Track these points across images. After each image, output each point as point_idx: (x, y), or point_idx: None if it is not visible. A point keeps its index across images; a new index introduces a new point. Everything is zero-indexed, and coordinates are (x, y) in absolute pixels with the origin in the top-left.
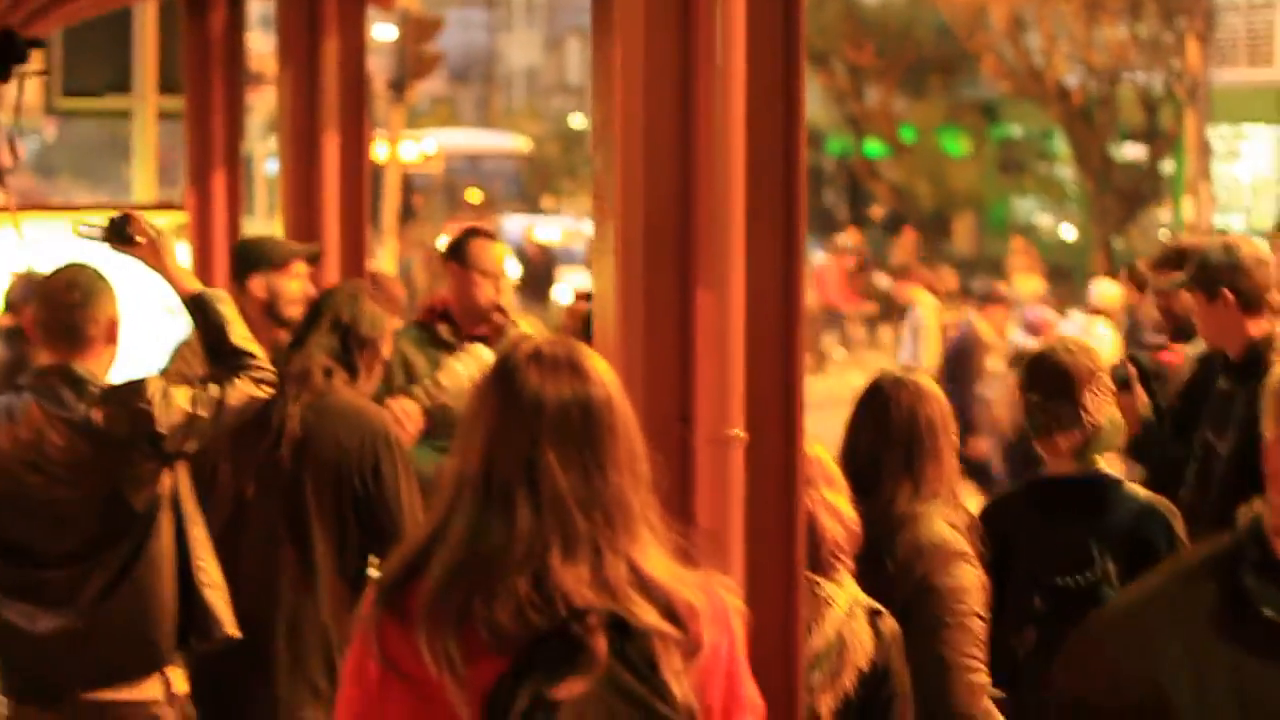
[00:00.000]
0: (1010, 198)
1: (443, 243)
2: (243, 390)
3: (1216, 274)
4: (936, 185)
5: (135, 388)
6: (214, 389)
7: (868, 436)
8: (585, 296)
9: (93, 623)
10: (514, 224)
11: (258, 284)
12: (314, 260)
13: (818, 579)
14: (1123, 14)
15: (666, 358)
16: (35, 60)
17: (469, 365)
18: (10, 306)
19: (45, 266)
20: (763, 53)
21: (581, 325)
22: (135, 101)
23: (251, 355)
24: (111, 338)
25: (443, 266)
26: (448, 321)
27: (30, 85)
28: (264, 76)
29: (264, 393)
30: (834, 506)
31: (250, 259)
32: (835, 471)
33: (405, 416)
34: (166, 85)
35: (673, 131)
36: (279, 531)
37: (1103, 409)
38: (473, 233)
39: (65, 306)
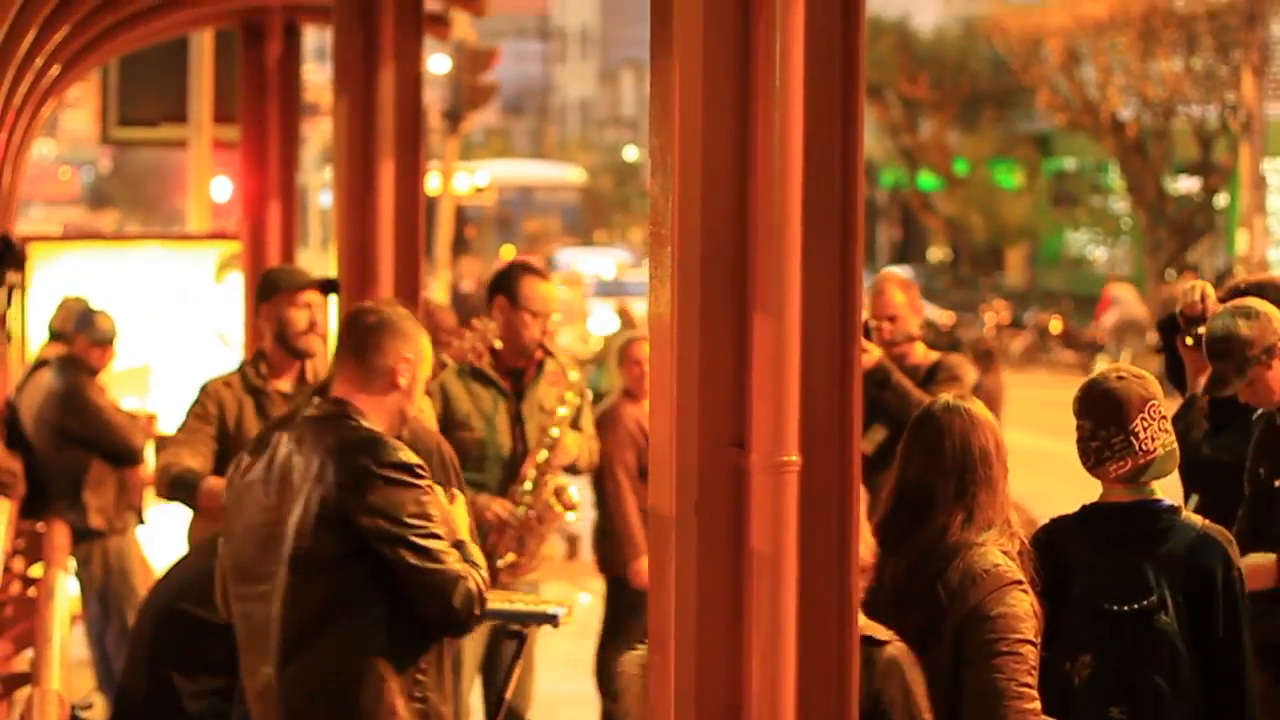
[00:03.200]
0: (1063, 230)
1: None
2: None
3: None
4: (989, 218)
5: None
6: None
7: (919, 465)
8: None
9: None
10: (566, 256)
11: (267, 312)
12: (327, 290)
13: None
14: (1178, 47)
15: (722, 382)
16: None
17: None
18: (59, 334)
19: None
20: (821, 75)
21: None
22: (191, 131)
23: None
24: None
25: (490, 300)
26: (491, 355)
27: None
28: (319, 107)
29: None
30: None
31: (263, 288)
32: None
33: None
34: (222, 115)
35: (730, 156)
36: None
37: (1156, 436)
38: (524, 268)
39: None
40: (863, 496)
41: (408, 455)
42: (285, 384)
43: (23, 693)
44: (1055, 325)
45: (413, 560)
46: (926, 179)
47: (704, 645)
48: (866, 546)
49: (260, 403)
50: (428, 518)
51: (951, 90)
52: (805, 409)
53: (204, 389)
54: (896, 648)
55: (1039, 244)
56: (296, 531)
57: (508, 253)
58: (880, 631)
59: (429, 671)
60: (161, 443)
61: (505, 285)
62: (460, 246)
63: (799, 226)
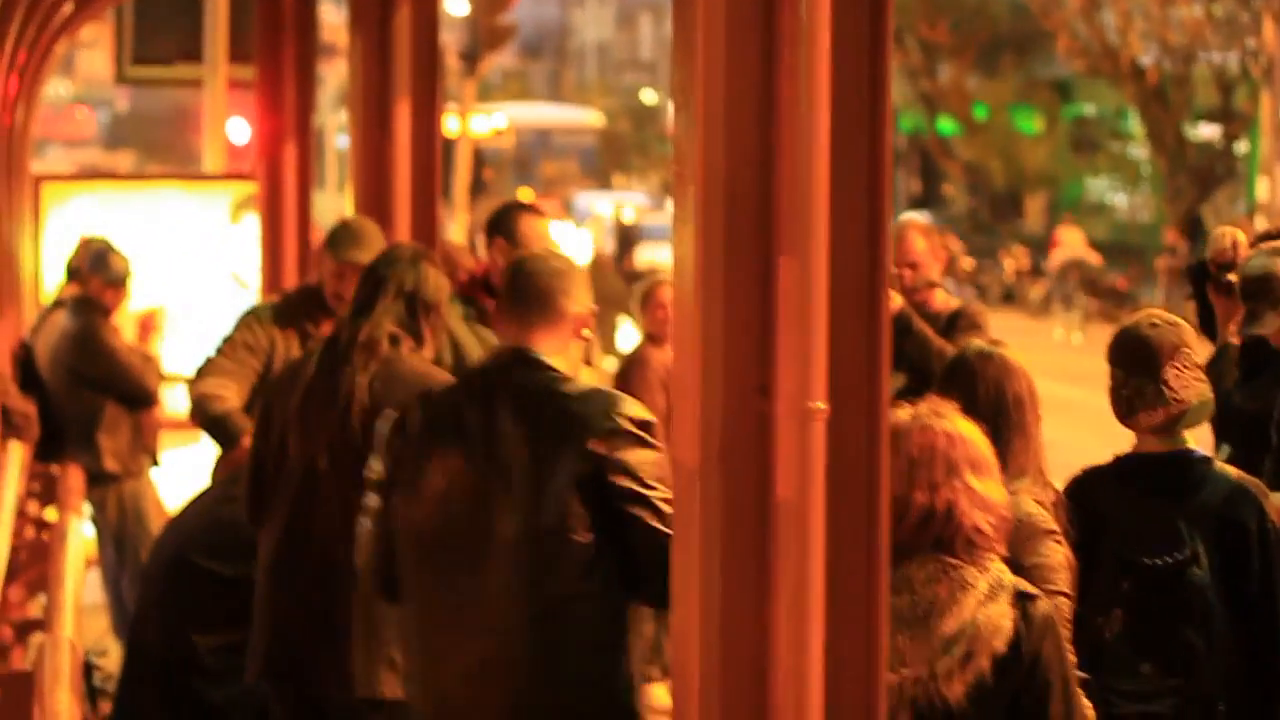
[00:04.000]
0: (1083, 177)
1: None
2: None
3: None
4: (1009, 164)
5: None
6: None
7: None
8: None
9: None
10: (584, 200)
11: (318, 259)
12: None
13: (955, 562)
14: None
15: (746, 327)
16: None
17: None
18: (75, 274)
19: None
20: (848, 10)
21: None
22: (206, 71)
23: None
24: None
25: (489, 240)
26: (491, 295)
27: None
28: (336, 48)
29: None
30: (976, 493)
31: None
32: (982, 453)
33: None
34: (237, 54)
35: (755, 93)
36: (352, 503)
37: (1189, 385)
38: (519, 208)
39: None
40: None
41: (646, 411)
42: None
43: (36, 639)
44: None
45: (654, 524)
46: (945, 124)
47: (728, 598)
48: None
49: (305, 344)
50: (663, 481)
51: (971, 35)
52: (833, 354)
53: (255, 316)
54: (1047, 603)
55: (1058, 190)
56: (533, 496)
57: (525, 196)
58: (1028, 586)
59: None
60: (206, 365)
61: (504, 225)
62: (478, 189)
63: (826, 166)
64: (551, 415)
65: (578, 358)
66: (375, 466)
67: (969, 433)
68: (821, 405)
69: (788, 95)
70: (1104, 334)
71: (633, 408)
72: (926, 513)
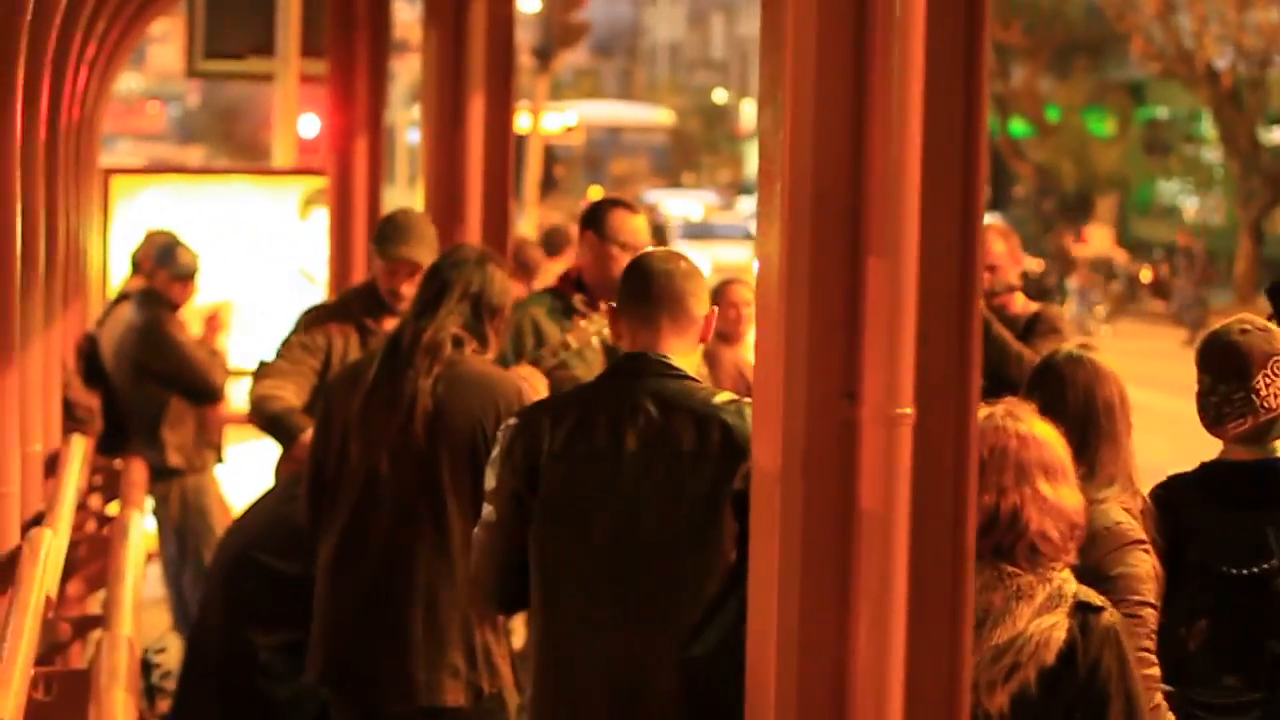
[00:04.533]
0: (1155, 180)
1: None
2: None
3: None
4: (1081, 166)
5: None
6: None
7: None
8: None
9: None
10: (654, 197)
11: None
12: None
13: (1016, 570)
14: None
15: (832, 329)
16: None
17: (598, 325)
18: (141, 267)
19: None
20: (943, 4)
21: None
22: (278, 65)
23: None
24: None
25: (580, 235)
26: (582, 291)
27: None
28: (408, 43)
29: None
30: (1046, 499)
31: (377, 234)
32: (1057, 456)
33: (530, 377)
34: (309, 49)
35: (845, 88)
36: (414, 508)
37: None
38: (613, 203)
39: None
40: None
41: None
42: (393, 323)
43: (94, 636)
44: (1145, 274)
45: None
46: (1018, 125)
47: (808, 609)
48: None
49: (366, 340)
50: None
51: (1045, 37)
52: (921, 359)
53: (311, 316)
54: (1113, 615)
55: (1130, 193)
56: (684, 509)
57: (595, 193)
58: (1094, 596)
59: None
60: (262, 368)
61: (593, 219)
62: (548, 186)
63: (918, 163)
64: (701, 427)
65: (699, 360)
66: (491, 476)
67: (1044, 435)
68: (909, 411)
69: (879, 89)
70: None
71: None
72: (990, 517)
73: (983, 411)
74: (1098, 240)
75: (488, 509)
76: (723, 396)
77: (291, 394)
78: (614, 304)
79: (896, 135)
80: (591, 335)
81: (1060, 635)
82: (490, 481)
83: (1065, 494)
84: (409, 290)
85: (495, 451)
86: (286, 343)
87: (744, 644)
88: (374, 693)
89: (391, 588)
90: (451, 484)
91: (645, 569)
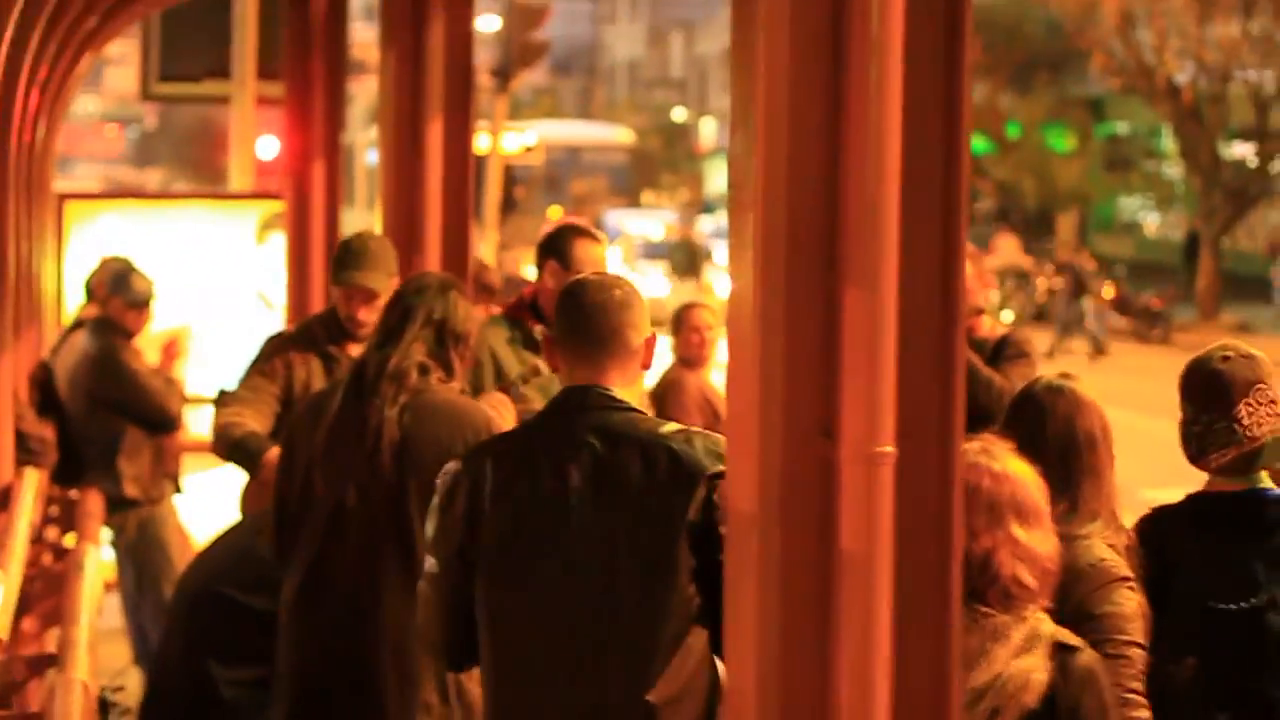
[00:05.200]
0: (1116, 195)
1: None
2: None
3: None
4: (1042, 182)
5: None
6: None
7: (1020, 450)
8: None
9: None
10: (614, 218)
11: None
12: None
13: (988, 611)
14: (1236, 11)
15: (809, 363)
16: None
17: None
18: (95, 295)
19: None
20: (923, 21)
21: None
22: (234, 87)
23: None
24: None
25: (540, 263)
26: (539, 319)
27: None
28: (366, 65)
29: None
30: (1019, 543)
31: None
32: (1031, 497)
33: (499, 406)
34: (266, 71)
35: (821, 110)
36: (381, 541)
37: (1263, 422)
38: (576, 231)
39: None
40: None
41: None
42: (356, 349)
43: (50, 676)
44: (1108, 291)
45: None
46: (979, 143)
47: (788, 656)
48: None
49: (329, 366)
50: None
51: (1005, 53)
52: (902, 394)
53: (271, 344)
54: (1090, 655)
55: (1091, 209)
56: (637, 548)
57: (555, 213)
58: (1069, 637)
59: None
60: (222, 398)
61: (556, 248)
62: (509, 206)
63: (896, 188)
64: (648, 457)
65: (643, 388)
66: (431, 526)
67: (1019, 474)
68: (889, 449)
69: (856, 112)
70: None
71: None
72: (967, 561)
73: None
74: (1006, 250)
75: (430, 561)
76: (669, 426)
77: (251, 419)
78: (550, 335)
79: (874, 159)
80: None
81: (1041, 677)
82: (431, 531)
83: (1039, 538)
84: (367, 316)
85: (435, 499)
86: (246, 372)
87: (707, 688)
88: None
89: (359, 624)
90: (420, 516)
91: (598, 613)
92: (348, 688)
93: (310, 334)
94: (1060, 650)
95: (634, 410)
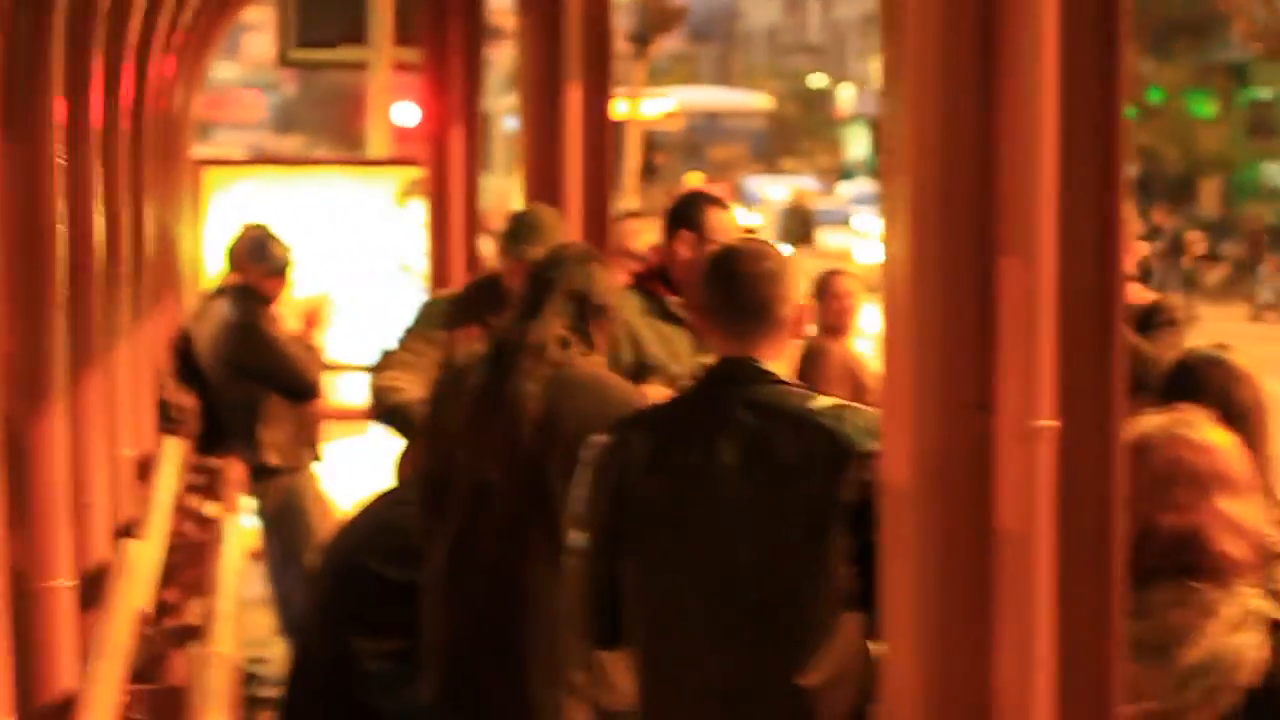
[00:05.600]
0: (1260, 161)
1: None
2: None
3: None
4: (1183, 148)
5: None
6: None
7: None
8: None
9: None
10: (754, 184)
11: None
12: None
13: (1200, 586)
14: None
15: (964, 335)
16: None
17: None
18: (234, 262)
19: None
20: None
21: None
22: (370, 53)
23: None
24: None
25: (670, 232)
26: (673, 290)
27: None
28: (503, 30)
29: None
30: (1228, 516)
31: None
32: (1236, 468)
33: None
34: (403, 36)
35: (974, 72)
36: (525, 516)
37: None
38: (706, 199)
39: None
40: None
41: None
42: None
43: (190, 649)
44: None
45: None
46: None
47: (946, 636)
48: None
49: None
50: None
51: (1145, 18)
52: (1061, 365)
53: (436, 307)
54: None
55: (1234, 175)
56: (799, 521)
57: (694, 179)
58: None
59: None
60: (383, 359)
61: (689, 216)
62: (648, 173)
63: (1054, 152)
64: (802, 435)
65: (793, 358)
66: (578, 499)
67: (1222, 446)
68: (1050, 423)
69: (1010, 73)
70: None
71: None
72: (1173, 537)
73: (1153, 420)
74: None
75: (575, 535)
76: (821, 401)
77: (411, 384)
78: (698, 304)
79: (1030, 122)
80: (691, 350)
81: (1257, 654)
82: (578, 504)
83: (1247, 509)
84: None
85: (582, 471)
86: (409, 333)
87: (860, 674)
88: (488, 711)
89: (504, 599)
90: (562, 490)
91: (749, 591)
92: (495, 662)
93: (472, 300)
94: (1277, 628)
95: (785, 383)
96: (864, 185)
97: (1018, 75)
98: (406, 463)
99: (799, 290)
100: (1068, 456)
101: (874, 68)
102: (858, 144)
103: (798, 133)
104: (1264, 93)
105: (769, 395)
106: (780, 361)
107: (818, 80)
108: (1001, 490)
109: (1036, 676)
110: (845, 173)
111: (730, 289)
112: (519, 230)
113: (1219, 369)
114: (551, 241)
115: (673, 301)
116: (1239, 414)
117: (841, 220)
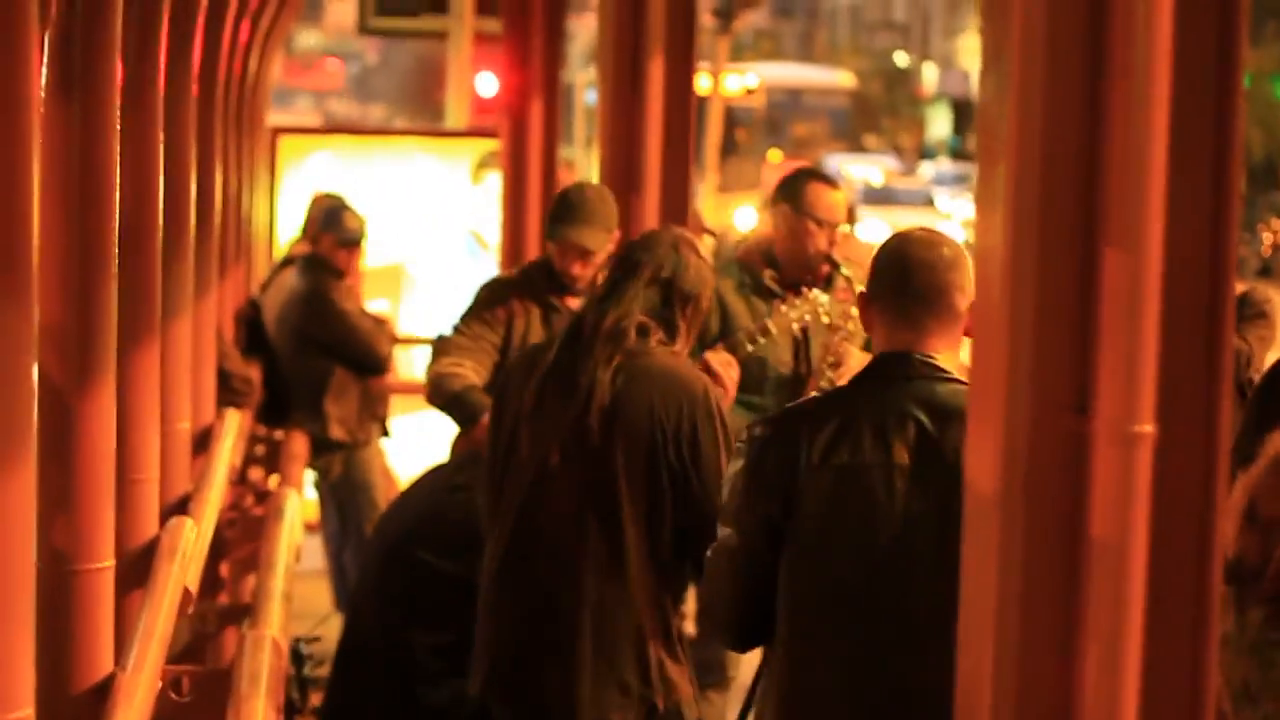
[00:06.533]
0: None
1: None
2: None
3: None
4: (1268, 133)
5: None
6: None
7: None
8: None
9: None
10: (834, 162)
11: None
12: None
13: None
14: None
15: (1063, 331)
16: None
17: (801, 312)
18: (308, 233)
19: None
20: None
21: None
22: (451, 22)
23: None
24: None
25: (772, 207)
26: (773, 267)
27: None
28: (585, 2)
29: None
30: None
31: (551, 215)
32: None
33: (724, 367)
34: (485, 6)
35: (1081, 52)
36: (585, 507)
37: None
38: (810, 175)
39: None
40: None
41: None
42: (577, 301)
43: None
44: None
45: None
46: None
47: (1029, 651)
48: None
49: (549, 317)
50: None
51: None
52: (1164, 367)
53: (492, 290)
54: None
55: None
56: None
57: (774, 157)
58: None
59: None
60: (440, 344)
61: (789, 191)
62: (729, 149)
63: (1164, 140)
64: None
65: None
66: (731, 491)
67: None
68: (1149, 428)
69: (1120, 54)
70: None
71: None
72: None
73: None
74: None
75: (727, 532)
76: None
77: (471, 371)
78: (863, 292)
79: (1139, 107)
80: (793, 322)
81: None
82: (731, 499)
83: None
84: (582, 272)
85: (738, 464)
86: (465, 317)
87: None
88: (538, 708)
89: (559, 596)
90: (626, 486)
91: (919, 597)
92: (544, 663)
93: (531, 281)
94: None
95: (960, 381)
96: (945, 165)
97: (1129, 55)
98: (460, 445)
99: (972, 283)
100: (1167, 464)
101: (958, 46)
102: (940, 123)
103: (879, 111)
104: None
105: (944, 394)
106: (952, 356)
107: (901, 59)
108: (1095, 499)
109: (1123, 700)
110: (927, 152)
111: (902, 274)
112: (562, 212)
113: None
114: (594, 223)
115: (768, 275)
116: None
117: (924, 201)
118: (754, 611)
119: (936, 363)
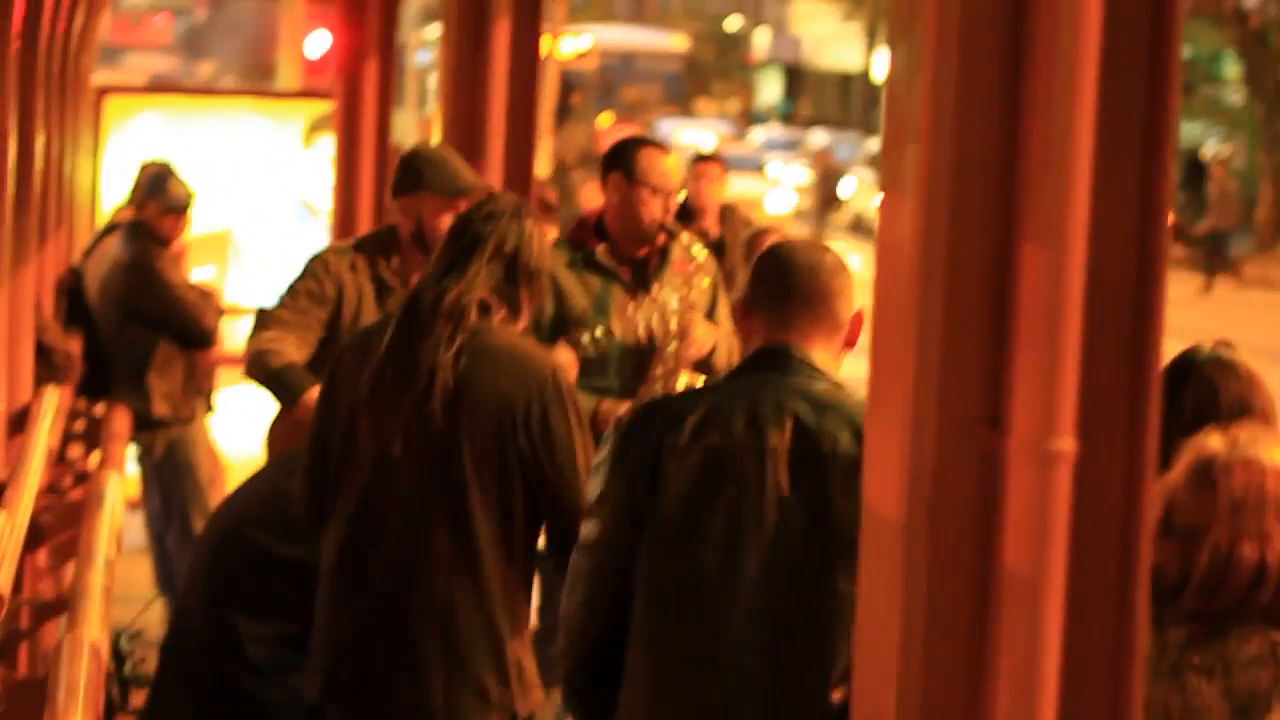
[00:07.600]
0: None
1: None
2: None
3: None
4: None
5: None
6: None
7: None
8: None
9: None
10: (666, 126)
11: (407, 207)
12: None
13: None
14: None
15: (973, 335)
16: None
17: (648, 314)
18: (133, 199)
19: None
20: None
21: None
22: None
23: None
24: None
25: (603, 177)
26: (603, 240)
27: None
28: None
29: None
30: None
31: (409, 178)
32: None
33: (568, 366)
34: None
35: (1002, 25)
36: (430, 498)
37: None
38: (641, 142)
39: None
40: None
41: None
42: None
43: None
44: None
45: None
46: None
47: (933, 693)
48: None
49: (381, 294)
50: None
51: None
52: (1086, 377)
53: (322, 263)
54: None
55: None
56: (847, 526)
57: (604, 121)
58: None
59: None
60: (261, 318)
61: (620, 159)
62: (564, 114)
63: (1091, 125)
64: (859, 436)
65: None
66: (596, 483)
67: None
68: (1069, 445)
69: (1045, 27)
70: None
71: None
72: (1257, 571)
73: (1217, 440)
74: None
75: (590, 526)
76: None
77: (293, 348)
78: (743, 297)
79: (1065, 86)
80: (638, 325)
81: None
82: (594, 490)
83: None
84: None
85: (601, 454)
86: (291, 290)
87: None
88: (383, 712)
89: (403, 591)
90: (474, 474)
91: (790, 594)
92: (391, 658)
93: (365, 255)
94: None
95: (839, 385)
96: (776, 131)
97: (1054, 28)
98: (279, 432)
99: (856, 294)
100: (1088, 484)
101: (790, 11)
102: (771, 89)
103: (711, 75)
104: (1184, 51)
105: (823, 391)
106: (831, 365)
107: (733, 23)
108: (1009, 524)
109: None
110: (757, 117)
111: (784, 277)
112: (422, 165)
113: (1230, 373)
114: (447, 185)
115: (599, 250)
116: (1259, 418)
117: (755, 167)
118: (605, 624)
119: (813, 361)
